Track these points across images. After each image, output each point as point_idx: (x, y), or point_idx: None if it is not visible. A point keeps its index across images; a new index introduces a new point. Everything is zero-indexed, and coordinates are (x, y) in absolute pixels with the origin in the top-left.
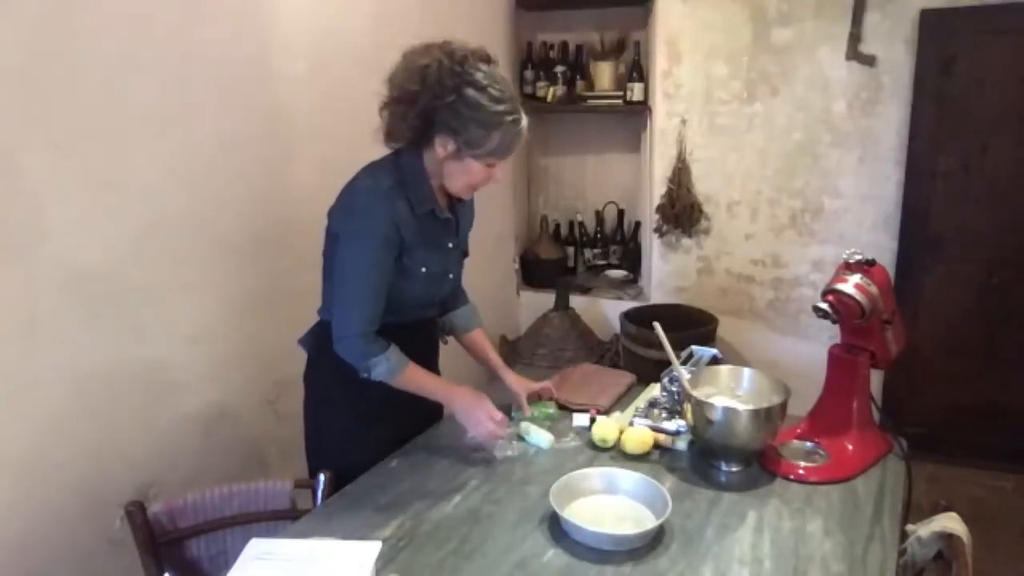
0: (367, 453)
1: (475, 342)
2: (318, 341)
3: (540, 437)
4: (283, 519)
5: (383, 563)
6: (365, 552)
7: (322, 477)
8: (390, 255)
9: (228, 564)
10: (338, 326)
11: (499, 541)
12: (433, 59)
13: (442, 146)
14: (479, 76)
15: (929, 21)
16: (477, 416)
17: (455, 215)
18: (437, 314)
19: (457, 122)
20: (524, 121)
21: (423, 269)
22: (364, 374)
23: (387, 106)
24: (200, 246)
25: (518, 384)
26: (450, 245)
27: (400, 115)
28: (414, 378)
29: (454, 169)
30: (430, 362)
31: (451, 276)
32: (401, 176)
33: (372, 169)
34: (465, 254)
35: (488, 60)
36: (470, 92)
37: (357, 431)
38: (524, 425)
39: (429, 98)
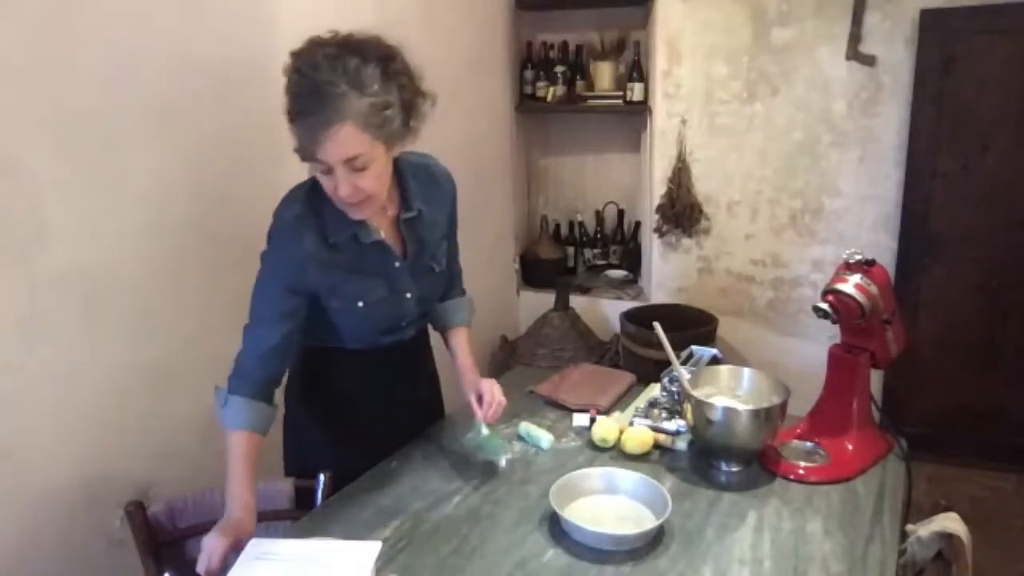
0: (344, 471)
1: (450, 341)
2: (295, 360)
3: (540, 437)
4: (283, 519)
5: (383, 563)
6: (365, 552)
7: (322, 477)
8: (290, 298)
9: (228, 564)
10: (242, 347)
11: (499, 541)
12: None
13: None
14: (302, 63)
15: (929, 21)
16: (209, 543)
17: (404, 233)
18: (417, 332)
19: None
20: (328, 110)
21: (359, 304)
22: (215, 397)
23: None
24: (200, 246)
25: (470, 386)
26: (397, 265)
27: None
28: (232, 455)
29: None
30: (415, 387)
31: (409, 296)
32: (314, 199)
33: (289, 194)
34: (432, 270)
35: (354, 50)
36: (290, 76)
37: (335, 450)
38: (524, 425)
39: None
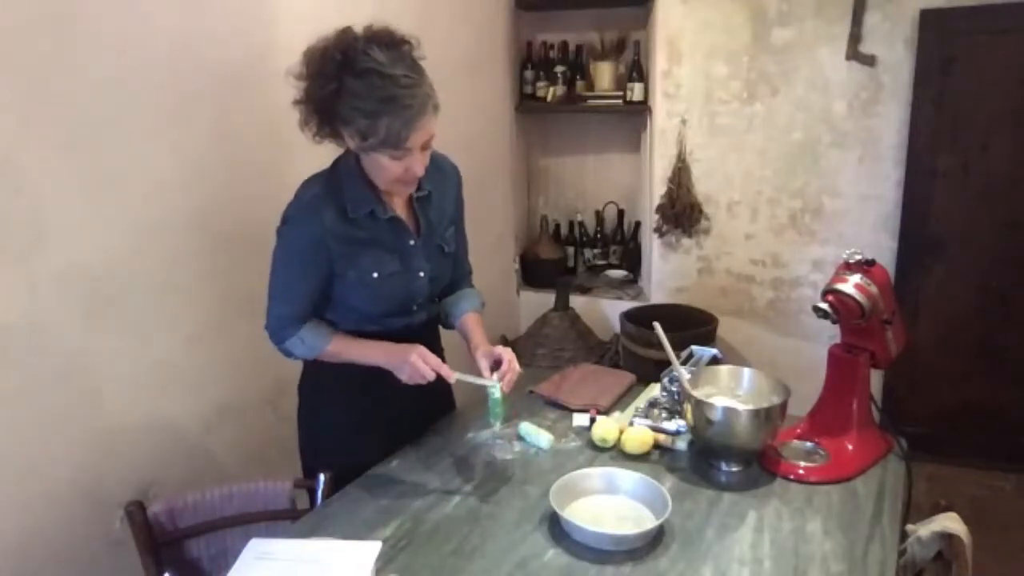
0: (361, 460)
1: (462, 323)
2: None
3: (540, 437)
4: (283, 519)
5: (383, 563)
6: (365, 552)
7: (322, 477)
8: (311, 270)
9: (228, 564)
10: (266, 317)
11: (499, 541)
12: (318, 48)
13: (350, 138)
14: (362, 61)
15: (929, 21)
16: (410, 358)
17: (417, 212)
18: (427, 317)
19: (345, 112)
20: (418, 102)
21: (374, 275)
22: (288, 357)
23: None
24: (200, 246)
25: (482, 353)
26: (411, 243)
27: (300, 108)
28: (346, 350)
29: (368, 164)
30: None
31: (422, 274)
32: (335, 180)
33: (307, 180)
34: (442, 250)
35: (391, 43)
36: (349, 80)
37: (351, 440)
38: (524, 425)
39: (314, 88)
